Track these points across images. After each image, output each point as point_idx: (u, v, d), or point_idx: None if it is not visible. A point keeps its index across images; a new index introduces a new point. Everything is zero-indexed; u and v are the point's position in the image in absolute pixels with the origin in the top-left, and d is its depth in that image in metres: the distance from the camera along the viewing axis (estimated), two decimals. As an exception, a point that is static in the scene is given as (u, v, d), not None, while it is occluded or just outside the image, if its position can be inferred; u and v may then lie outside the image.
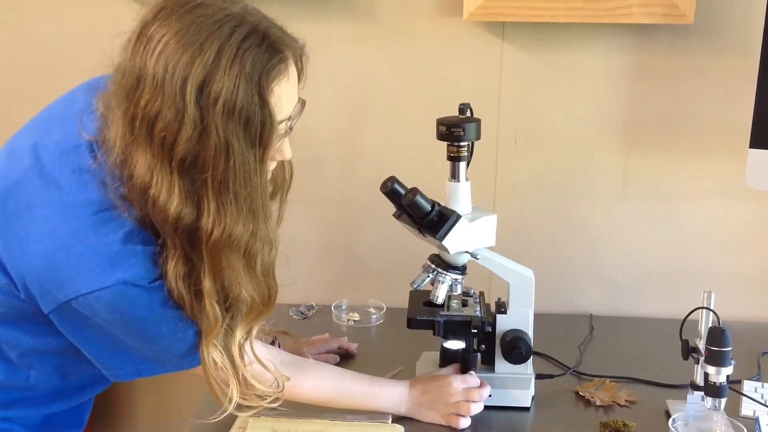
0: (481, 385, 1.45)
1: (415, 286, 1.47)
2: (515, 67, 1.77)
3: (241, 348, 1.18)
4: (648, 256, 1.86)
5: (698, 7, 1.64)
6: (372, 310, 1.85)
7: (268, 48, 1.04)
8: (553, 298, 1.85)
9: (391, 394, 1.42)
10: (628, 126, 1.79)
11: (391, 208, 1.43)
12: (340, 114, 1.83)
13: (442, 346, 1.52)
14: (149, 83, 1.01)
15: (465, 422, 1.40)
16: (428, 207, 1.36)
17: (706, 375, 1.32)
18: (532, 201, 1.85)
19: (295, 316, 1.86)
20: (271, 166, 1.16)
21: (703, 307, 1.36)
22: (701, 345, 1.36)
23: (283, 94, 1.07)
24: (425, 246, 1.45)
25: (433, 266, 1.45)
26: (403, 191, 1.37)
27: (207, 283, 1.09)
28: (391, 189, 1.37)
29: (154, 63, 1.01)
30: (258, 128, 1.04)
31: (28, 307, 1.11)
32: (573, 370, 1.60)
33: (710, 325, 1.35)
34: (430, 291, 1.46)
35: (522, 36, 1.75)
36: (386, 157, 1.83)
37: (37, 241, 1.07)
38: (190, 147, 1.02)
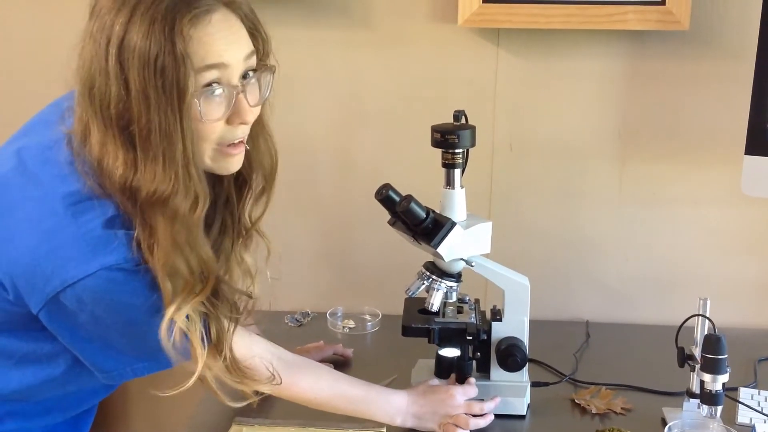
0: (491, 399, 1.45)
1: (410, 294, 1.46)
2: (510, 73, 1.77)
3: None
4: (644, 263, 1.85)
5: (693, 14, 1.64)
6: (367, 317, 1.85)
7: None
8: (549, 305, 1.85)
9: (388, 404, 1.41)
10: (624, 132, 1.79)
11: (386, 215, 1.43)
12: (334, 120, 1.83)
13: (438, 354, 1.51)
14: (90, 55, 1.03)
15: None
16: (423, 214, 1.36)
17: (702, 383, 1.32)
18: (527, 208, 1.84)
19: (290, 324, 1.85)
20: (242, 131, 1.12)
21: (698, 315, 1.36)
22: (697, 352, 1.35)
23: (205, 40, 1.04)
24: (420, 253, 1.45)
25: (428, 273, 1.44)
26: (397, 198, 1.36)
27: (156, 253, 1.07)
28: (385, 196, 1.37)
29: (93, 25, 1.04)
30: (174, 76, 1.02)
31: (19, 311, 1.11)
32: (569, 378, 1.60)
33: (706, 332, 1.34)
34: (425, 298, 1.46)
35: (517, 42, 1.75)
36: (381, 164, 1.82)
37: (21, 239, 1.07)
38: (121, 105, 1.02)
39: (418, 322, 1.47)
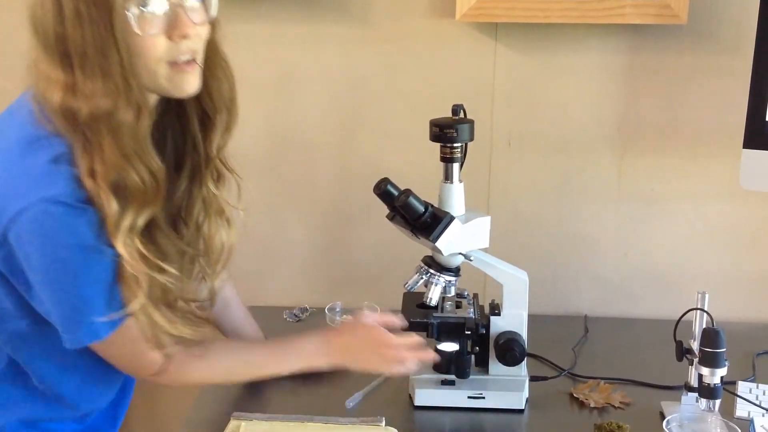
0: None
1: (408, 288, 1.46)
2: (508, 67, 1.77)
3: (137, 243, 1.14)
4: (642, 257, 1.85)
5: (691, 8, 1.64)
6: (366, 312, 1.84)
7: None
8: (547, 300, 1.85)
9: (303, 350, 1.38)
10: (622, 127, 1.79)
11: (385, 209, 1.43)
12: (332, 116, 1.83)
13: (436, 348, 1.51)
14: None
15: (408, 366, 1.37)
16: (421, 208, 1.36)
17: (700, 376, 1.32)
18: (525, 202, 1.84)
19: (288, 319, 1.85)
20: (186, 46, 1.12)
21: (697, 308, 1.36)
22: (695, 346, 1.36)
23: None
24: (419, 247, 1.45)
25: (427, 268, 1.44)
26: (396, 193, 1.37)
27: (98, 170, 1.09)
28: (384, 190, 1.37)
29: None
30: None
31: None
32: (567, 372, 1.60)
33: (704, 326, 1.35)
34: (423, 293, 1.46)
35: (515, 37, 1.75)
36: (379, 159, 1.82)
37: None
38: (59, 29, 1.05)
39: (417, 317, 1.47)
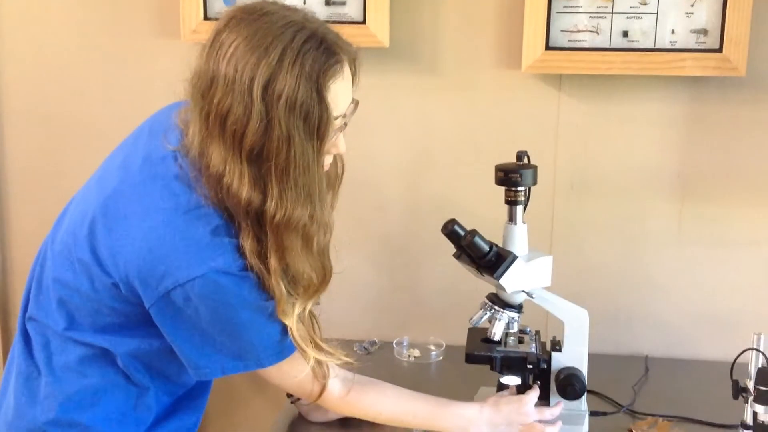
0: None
1: (473, 323, 1.53)
2: (571, 116, 1.85)
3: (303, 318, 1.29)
4: (702, 300, 1.89)
5: (750, 61, 1.70)
6: (432, 347, 1.92)
7: (326, 50, 1.17)
8: (609, 340, 1.90)
9: (459, 416, 1.46)
10: (683, 174, 1.84)
11: (451, 248, 1.51)
12: (403, 160, 1.93)
13: (499, 382, 1.57)
14: (221, 83, 1.15)
15: None
16: (486, 248, 1.44)
17: (755, 414, 1.36)
18: (587, 244, 1.90)
19: (358, 351, 1.93)
20: (328, 159, 1.27)
21: (752, 348, 1.40)
22: (751, 385, 1.40)
23: (339, 92, 1.19)
24: (484, 285, 1.53)
25: (491, 304, 1.52)
26: (462, 233, 1.45)
27: (272, 262, 1.21)
28: (451, 231, 1.45)
29: (225, 65, 1.15)
30: (316, 122, 1.16)
31: (130, 310, 1.25)
32: (627, 409, 1.64)
33: (759, 365, 1.39)
34: (487, 328, 1.53)
35: (578, 87, 1.83)
36: (447, 200, 1.91)
37: (137, 244, 1.20)
38: (257, 138, 1.15)
39: (481, 350, 1.54)
